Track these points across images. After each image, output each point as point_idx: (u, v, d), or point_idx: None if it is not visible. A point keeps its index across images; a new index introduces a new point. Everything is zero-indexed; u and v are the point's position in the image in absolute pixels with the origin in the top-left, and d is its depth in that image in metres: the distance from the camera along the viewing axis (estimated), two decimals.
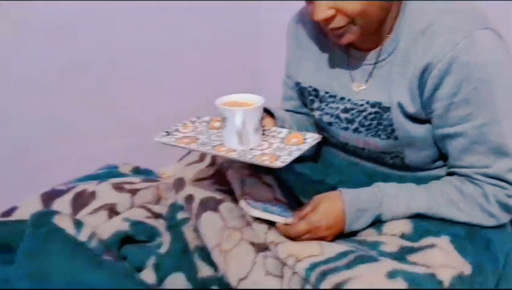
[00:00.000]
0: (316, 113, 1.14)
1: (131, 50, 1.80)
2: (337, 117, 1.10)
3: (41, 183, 1.35)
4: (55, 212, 1.11)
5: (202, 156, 1.22)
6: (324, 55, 1.12)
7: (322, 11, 0.92)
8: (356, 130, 1.07)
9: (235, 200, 1.05)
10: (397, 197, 0.98)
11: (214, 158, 1.20)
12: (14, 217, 1.18)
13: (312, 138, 0.97)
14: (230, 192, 1.08)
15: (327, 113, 1.12)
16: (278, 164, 0.86)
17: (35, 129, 1.65)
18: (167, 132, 1.01)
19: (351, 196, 0.98)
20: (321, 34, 1.12)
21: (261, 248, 0.93)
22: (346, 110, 1.07)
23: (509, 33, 1.45)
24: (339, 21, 0.94)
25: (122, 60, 1.79)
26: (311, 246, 0.89)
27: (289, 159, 0.89)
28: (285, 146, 0.96)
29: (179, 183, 1.15)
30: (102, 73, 1.75)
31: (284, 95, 1.29)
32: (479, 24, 0.90)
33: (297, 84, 1.18)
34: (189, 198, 1.09)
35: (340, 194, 0.98)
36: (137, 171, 1.45)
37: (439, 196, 0.97)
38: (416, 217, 0.98)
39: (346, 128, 1.09)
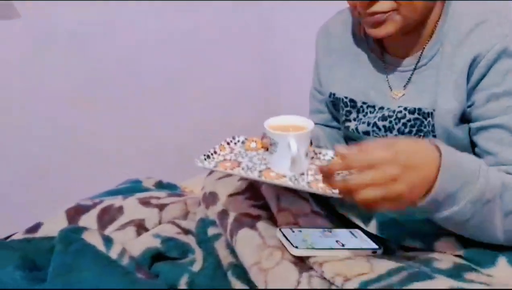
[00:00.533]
0: (352, 124, 1.12)
1: (150, 62, 1.79)
2: (374, 125, 1.08)
3: (64, 198, 1.33)
4: (84, 228, 1.08)
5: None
6: (358, 64, 1.11)
7: None
8: (395, 138, 1.05)
9: (272, 217, 1.02)
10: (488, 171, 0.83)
11: None
12: (39, 233, 1.15)
13: None
14: (265, 207, 1.05)
15: (363, 122, 1.10)
16: (335, 194, 0.82)
17: (56, 144, 1.63)
18: (207, 155, 0.97)
19: (444, 146, 0.80)
20: (355, 42, 1.12)
21: (305, 268, 0.89)
22: (384, 118, 1.06)
23: None
24: (382, 5, 0.92)
25: (138, 72, 1.78)
26: (359, 264, 0.85)
27: None
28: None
29: (210, 198, 1.12)
30: (121, 86, 1.74)
31: (311, 108, 1.28)
32: None
33: (331, 95, 1.16)
34: (223, 214, 1.06)
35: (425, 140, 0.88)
36: (160, 185, 1.43)
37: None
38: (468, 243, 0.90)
39: (384, 137, 1.07)
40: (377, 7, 0.92)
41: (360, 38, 1.12)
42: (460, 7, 0.97)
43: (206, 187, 1.16)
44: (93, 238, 1.05)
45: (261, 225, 1.00)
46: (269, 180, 0.90)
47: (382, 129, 1.07)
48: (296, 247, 0.88)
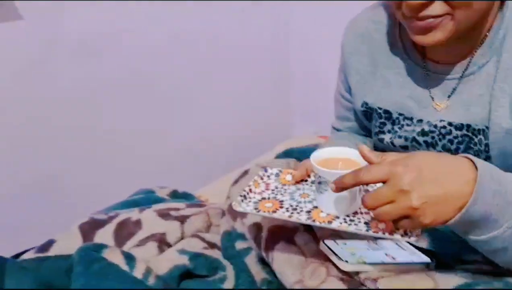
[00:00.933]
0: (387, 137, 1.01)
1: (162, 68, 1.71)
2: (414, 140, 0.97)
3: (74, 211, 1.25)
4: (104, 246, 1.00)
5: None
6: (394, 70, 0.99)
7: None
8: None
9: (310, 228, 0.95)
10: None
11: None
12: (52, 252, 1.06)
13: None
14: None
15: (400, 136, 0.99)
16: (412, 239, 0.73)
17: (63, 153, 1.54)
18: (243, 195, 0.87)
19: (481, 161, 0.71)
20: (389, 44, 1.00)
21: (355, 285, 0.82)
22: (424, 133, 0.95)
23: None
24: (436, 8, 0.79)
25: (149, 79, 1.70)
26: (420, 280, 0.78)
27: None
28: None
29: None
30: (130, 92, 1.66)
31: (338, 114, 1.18)
32: None
33: (363, 104, 1.05)
34: (255, 227, 0.99)
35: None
36: (175, 194, 1.35)
37: None
38: None
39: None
40: (429, 10, 0.80)
41: (396, 40, 1.01)
42: None
43: (233, 197, 1.08)
44: (115, 256, 0.97)
45: (299, 238, 0.93)
46: (326, 224, 0.79)
47: (424, 145, 0.96)
48: (346, 261, 0.82)
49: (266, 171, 0.94)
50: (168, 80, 1.73)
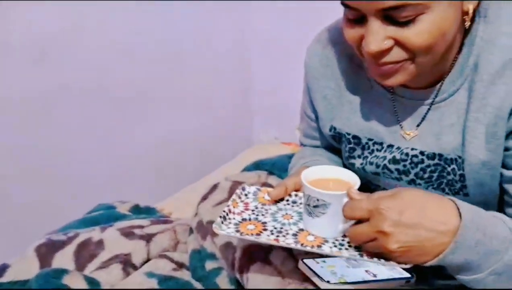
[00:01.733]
0: (357, 162, 0.96)
1: (118, 75, 1.62)
2: (385, 167, 0.92)
3: (28, 231, 1.16)
4: (64, 271, 0.94)
5: (232, 192, 1.07)
6: (362, 95, 0.94)
7: (378, 42, 0.74)
8: (412, 181, 0.90)
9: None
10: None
11: None
12: (7, 277, 0.99)
13: None
14: None
15: (371, 163, 0.93)
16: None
17: (13, 167, 1.42)
18: (222, 217, 0.82)
19: (467, 206, 0.72)
20: (355, 67, 0.93)
21: None
22: (396, 161, 0.90)
23: None
24: (395, 55, 0.76)
25: (103, 84, 1.60)
26: None
27: None
28: None
29: (209, 228, 0.99)
30: (85, 99, 1.55)
31: (305, 133, 1.11)
32: None
33: (332, 129, 0.99)
34: (228, 247, 0.94)
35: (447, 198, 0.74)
36: (137, 209, 1.29)
37: None
38: None
39: (398, 179, 0.92)
40: (388, 57, 0.76)
41: (361, 62, 0.93)
42: (488, 35, 0.80)
43: (203, 215, 1.04)
44: (76, 282, 0.92)
45: (275, 256, 0.89)
46: (317, 250, 0.77)
47: (395, 172, 0.91)
48: (328, 281, 0.78)
49: (244, 189, 0.90)
50: (123, 86, 1.63)
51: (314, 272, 0.80)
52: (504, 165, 0.82)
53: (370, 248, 0.72)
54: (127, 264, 1.01)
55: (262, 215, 0.85)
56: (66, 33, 1.44)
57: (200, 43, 1.87)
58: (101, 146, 1.58)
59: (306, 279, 0.83)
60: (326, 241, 0.78)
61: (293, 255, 0.89)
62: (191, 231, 1.08)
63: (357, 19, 0.77)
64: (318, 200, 0.77)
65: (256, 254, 0.90)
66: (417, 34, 0.73)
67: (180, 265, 1.02)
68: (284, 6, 1.97)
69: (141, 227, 1.12)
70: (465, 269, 0.72)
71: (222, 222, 0.80)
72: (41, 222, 1.26)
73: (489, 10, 0.80)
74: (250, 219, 0.83)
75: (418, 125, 0.88)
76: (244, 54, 2.11)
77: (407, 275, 0.83)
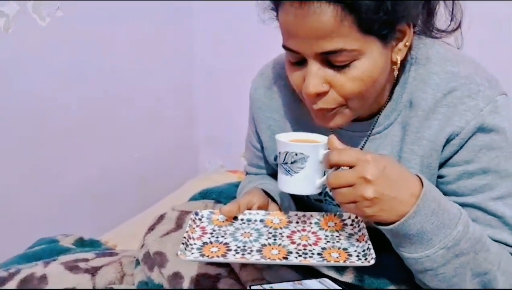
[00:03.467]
0: None
1: (57, 105, 1.57)
2: (327, 195, 0.97)
3: None
4: None
5: (179, 222, 1.08)
6: (303, 126, 0.97)
7: (315, 85, 0.78)
8: None
9: (232, 272, 0.92)
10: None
11: None
12: None
13: (348, 216, 0.89)
14: (223, 263, 0.95)
15: None
16: (371, 262, 0.75)
17: None
18: (185, 244, 0.81)
19: (428, 182, 0.77)
20: (298, 98, 0.94)
21: None
22: None
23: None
24: (330, 101, 0.81)
25: (47, 115, 1.54)
26: None
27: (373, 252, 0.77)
28: (333, 233, 0.87)
29: (157, 259, 0.99)
30: (19, 126, 1.46)
31: (250, 162, 1.14)
32: (498, 89, 0.83)
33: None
34: (176, 277, 0.94)
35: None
36: (81, 242, 1.26)
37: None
38: None
39: (339, 205, 0.91)
40: (323, 102, 0.81)
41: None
42: (420, 75, 0.85)
43: (150, 246, 1.03)
44: None
45: (223, 285, 0.90)
46: (285, 262, 0.79)
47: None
48: None
49: (197, 214, 0.90)
50: (62, 117, 1.57)
51: None
52: (443, 193, 0.84)
53: (345, 194, 0.73)
54: None
55: (222, 236, 0.85)
56: (1, 63, 1.40)
57: (142, 74, 1.86)
58: (39, 178, 1.53)
59: None
60: (290, 252, 0.81)
61: (241, 282, 0.90)
62: (137, 262, 1.07)
63: (299, 62, 0.81)
64: (296, 154, 0.79)
65: (204, 283, 0.91)
66: (350, 79, 0.78)
67: None
68: (227, 37, 2.01)
69: (86, 260, 1.10)
70: (418, 242, 0.75)
71: (186, 249, 0.80)
72: None
73: (419, 52, 0.86)
74: (211, 242, 0.84)
75: None
76: (188, 83, 2.12)
77: None
